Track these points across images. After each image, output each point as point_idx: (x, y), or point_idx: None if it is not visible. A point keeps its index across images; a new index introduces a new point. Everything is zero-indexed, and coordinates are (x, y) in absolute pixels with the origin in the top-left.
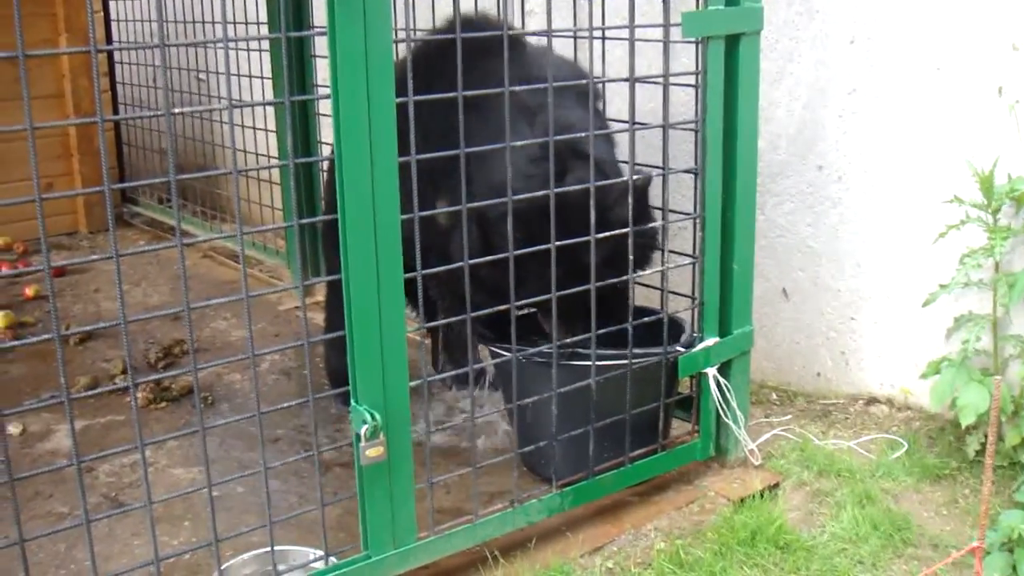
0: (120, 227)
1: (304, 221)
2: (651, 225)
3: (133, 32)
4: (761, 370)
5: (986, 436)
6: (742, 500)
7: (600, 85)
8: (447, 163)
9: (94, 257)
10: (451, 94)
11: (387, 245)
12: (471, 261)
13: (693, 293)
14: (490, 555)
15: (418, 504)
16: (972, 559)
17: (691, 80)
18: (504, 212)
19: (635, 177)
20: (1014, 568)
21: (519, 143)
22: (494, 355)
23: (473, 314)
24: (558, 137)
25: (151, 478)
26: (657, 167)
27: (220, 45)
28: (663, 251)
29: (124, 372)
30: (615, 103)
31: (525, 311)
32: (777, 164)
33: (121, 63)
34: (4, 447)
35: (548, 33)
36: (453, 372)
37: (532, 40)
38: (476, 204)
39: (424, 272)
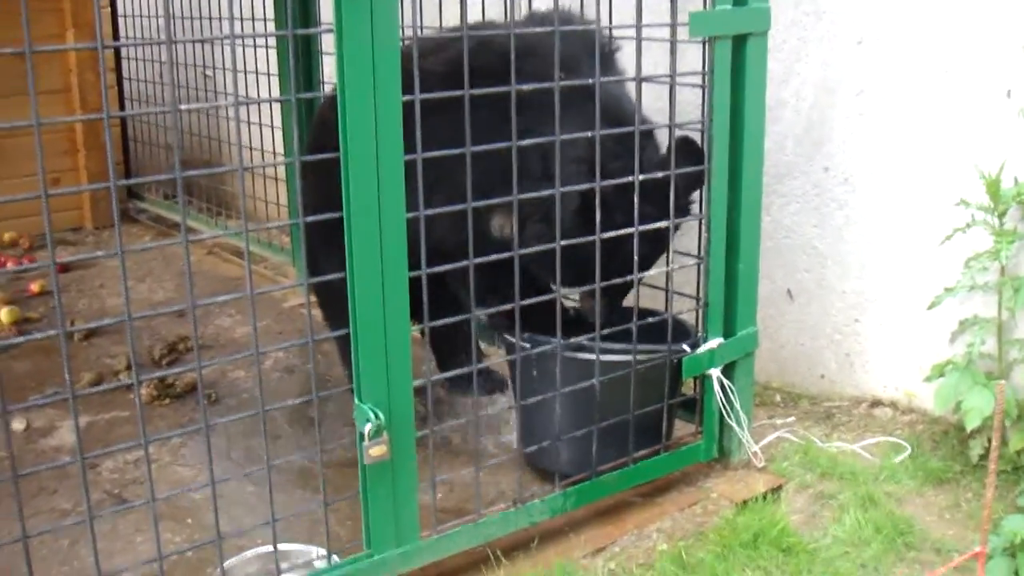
0: (125, 223)
1: (310, 219)
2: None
3: (140, 28)
4: (765, 371)
5: (990, 440)
6: (745, 502)
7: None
8: (502, 174)
9: (99, 254)
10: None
11: (392, 244)
12: (570, 241)
13: (698, 294)
14: (492, 555)
15: (421, 503)
16: (975, 564)
17: (698, 80)
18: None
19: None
20: (1016, 573)
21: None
22: (509, 349)
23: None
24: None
25: (154, 475)
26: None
27: (227, 41)
28: (668, 252)
29: (128, 368)
30: None
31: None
32: (784, 165)
33: (127, 59)
34: (8, 443)
35: (556, 30)
36: (456, 372)
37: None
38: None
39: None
